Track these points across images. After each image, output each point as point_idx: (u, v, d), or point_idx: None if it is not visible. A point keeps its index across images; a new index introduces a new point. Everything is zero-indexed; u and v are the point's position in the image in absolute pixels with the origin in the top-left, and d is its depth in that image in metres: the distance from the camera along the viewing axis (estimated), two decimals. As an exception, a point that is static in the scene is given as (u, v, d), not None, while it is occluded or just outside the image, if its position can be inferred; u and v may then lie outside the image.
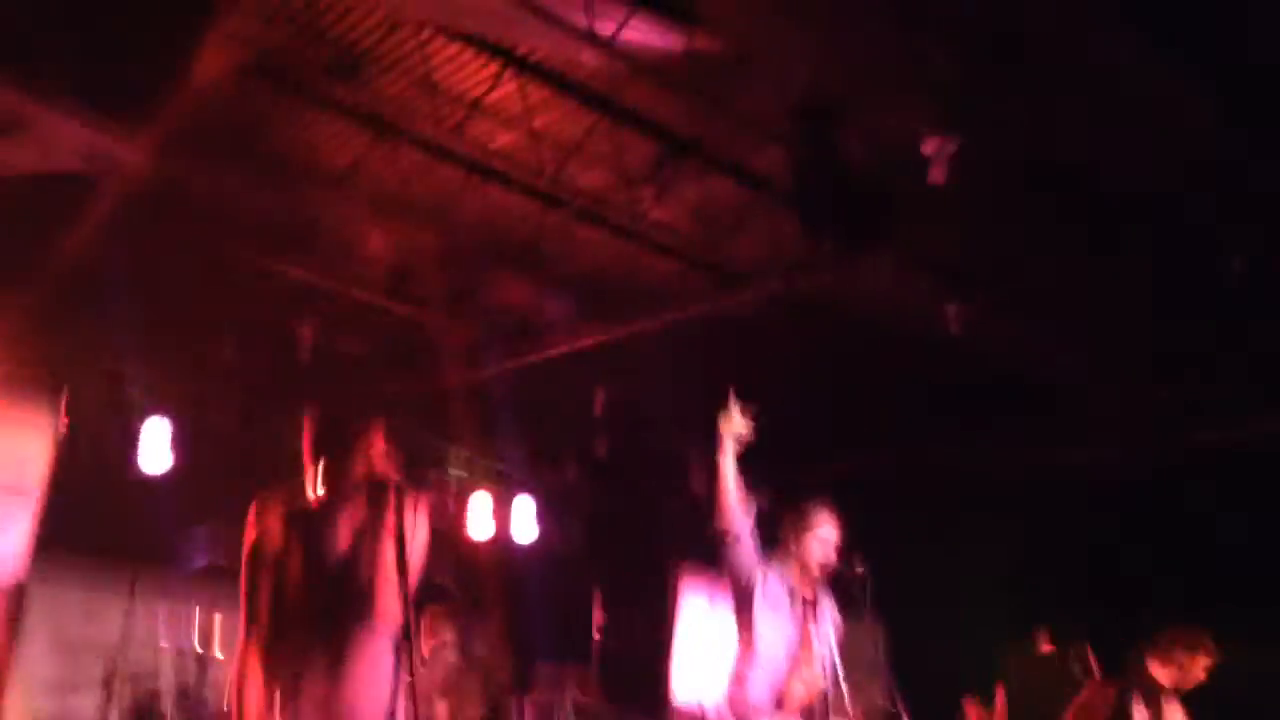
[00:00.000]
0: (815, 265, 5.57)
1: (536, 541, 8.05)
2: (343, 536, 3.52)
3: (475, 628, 7.12)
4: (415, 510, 3.69)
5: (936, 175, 5.00)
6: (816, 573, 5.20)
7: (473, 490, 7.81)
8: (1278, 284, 5.56)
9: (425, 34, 4.72)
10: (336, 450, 3.80)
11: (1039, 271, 6.02)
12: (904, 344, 6.33)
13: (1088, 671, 5.39)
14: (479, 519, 7.71)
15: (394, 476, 3.58)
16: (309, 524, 3.47)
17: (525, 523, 8.00)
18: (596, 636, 7.05)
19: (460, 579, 7.12)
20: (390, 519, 3.46)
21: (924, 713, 5.78)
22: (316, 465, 3.90)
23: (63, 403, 6.02)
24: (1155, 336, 6.09)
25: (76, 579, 6.48)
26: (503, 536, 7.87)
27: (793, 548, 5.09)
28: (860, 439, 7.09)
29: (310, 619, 3.24)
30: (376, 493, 3.55)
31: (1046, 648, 5.61)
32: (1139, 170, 5.32)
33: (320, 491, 3.65)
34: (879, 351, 6.37)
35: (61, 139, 3.05)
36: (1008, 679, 6.63)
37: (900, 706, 5.71)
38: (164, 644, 5.87)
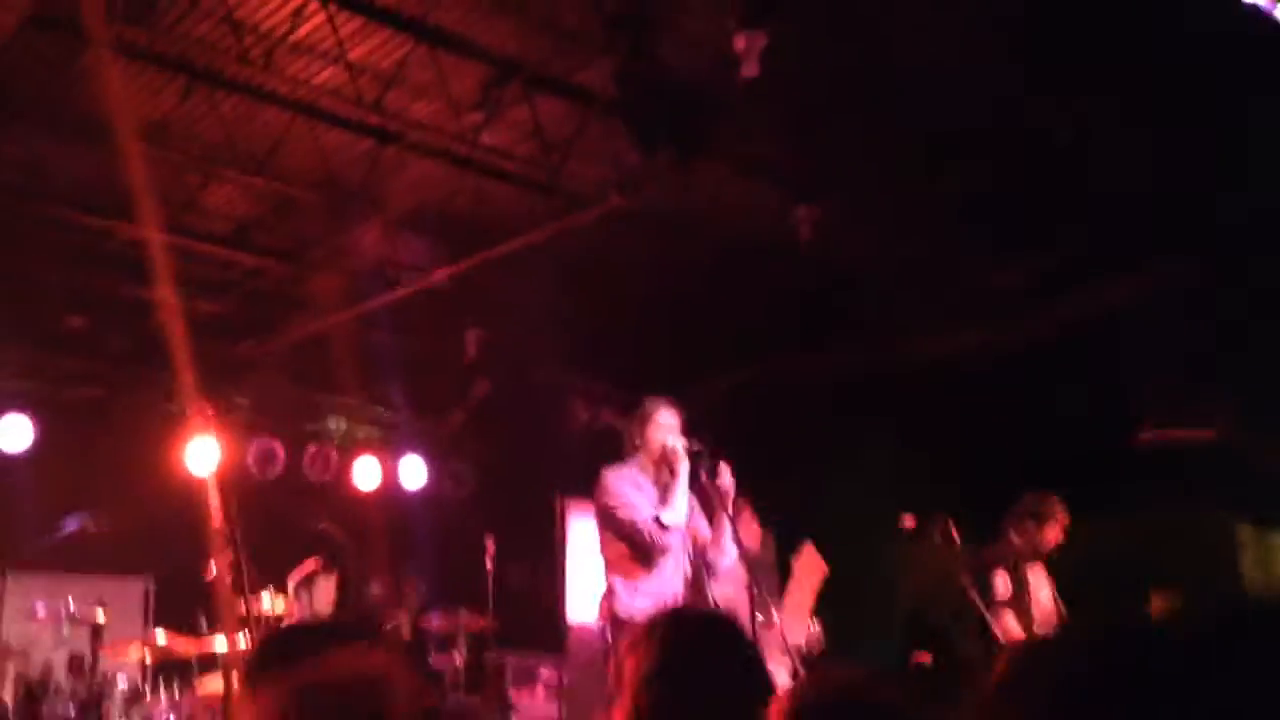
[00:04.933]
0: (651, 177, 5.61)
1: (426, 490, 8.06)
2: None
3: (365, 576, 7.13)
4: None
5: (750, 70, 5.05)
6: (668, 461, 5.22)
7: (356, 442, 7.79)
8: (1105, 150, 5.71)
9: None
10: None
11: (878, 170, 6.12)
12: (752, 254, 6.43)
13: (950, 543, 5.55)
14: (364, 471, 7.70)
15: None
16: None
17: (413, 472, 8.00)
18: (490, 575, 7.07)
19: (349, 529, 7.11)
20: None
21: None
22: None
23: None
24: (994, 220, 6.24)
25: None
26: (390, 488, 7.86)
27: (639, 442, 5.14)
28: (719, 354, 7.19)
29: None
30: None
31: (910, 524, 5.76)
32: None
33: None
34: (729, 264, 6.46)
35: None
36: (883, 565, 6.81)
37: (771, 612, 5.84)
38: (41, 614, 5.74)
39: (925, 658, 7.04)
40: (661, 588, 4.85)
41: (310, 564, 5.73)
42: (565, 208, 5.88)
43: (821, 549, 6.92)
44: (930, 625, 6.94)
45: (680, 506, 4.82)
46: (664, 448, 4.99)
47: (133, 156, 5.04)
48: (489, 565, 6.90)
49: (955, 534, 5.65)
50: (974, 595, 5.86)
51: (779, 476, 6.31)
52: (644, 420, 5.02)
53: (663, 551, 4.85)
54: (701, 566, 5.00)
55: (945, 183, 6.07)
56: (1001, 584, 5.92)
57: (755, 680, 2.00)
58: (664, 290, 6.91)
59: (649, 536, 4.83)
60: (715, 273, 6.76)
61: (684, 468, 4.91)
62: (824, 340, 7.13)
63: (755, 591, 4.99)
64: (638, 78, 5.36)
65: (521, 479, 8.13)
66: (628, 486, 4.97)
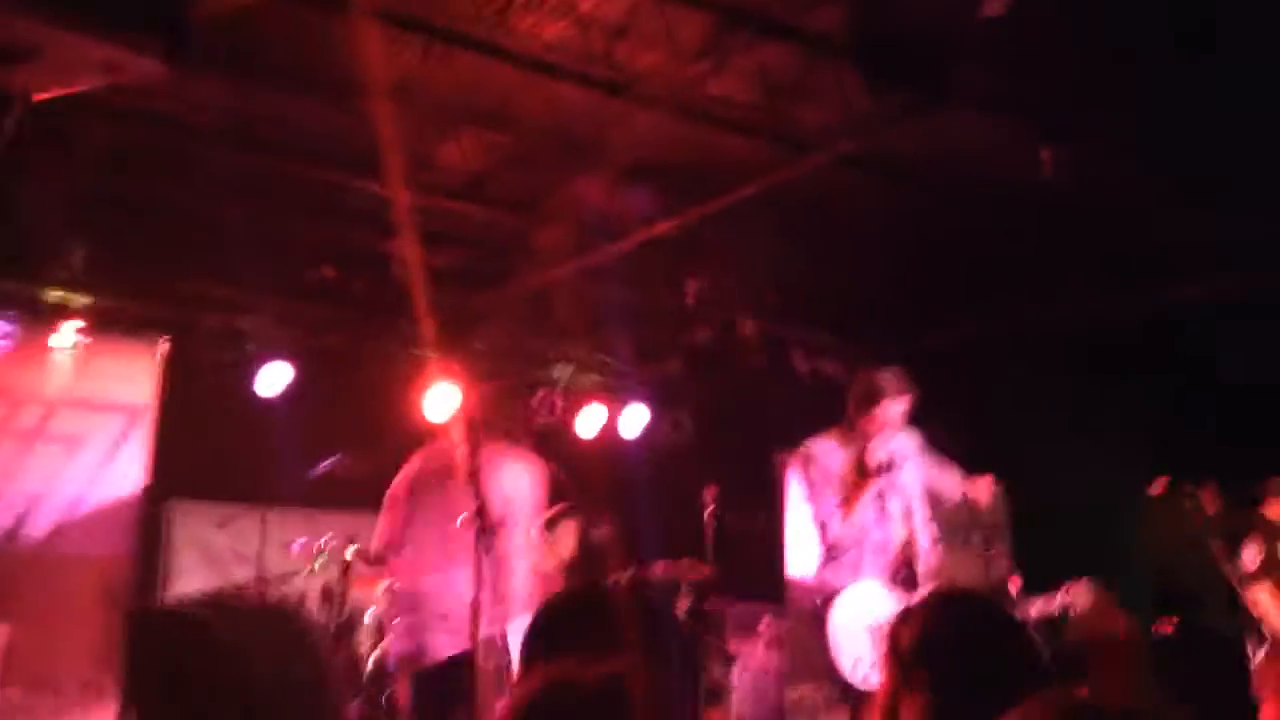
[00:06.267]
0: (881, 121, 5.41)
1: (645, 438, 8.17)
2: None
3: (592, 521, 7.29)
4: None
5: (994, 7, 4.78)
6: (888, 444, 5.11)
7: (579, 388, 7.97)
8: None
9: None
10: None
11: (1125, 106, 5.69)
12: (986, 197, 6.13)
13: (1201, 509, 5.22)
14: (588, 417, 7.87)
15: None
16: None
17: (634, 419, 8.13)
18: (709, 527, 7.10)
19: (571, 475, 7.29)
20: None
21: (1044, 573, 5.67)
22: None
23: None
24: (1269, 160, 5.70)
25: (209, 494, 6.99)
26: (610, 434, 8.00)
27: (853, 418, 5.05)
28: (948, 304, 6.91)
29: None
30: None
31: (1160, 490, 5.45)
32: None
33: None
34: (960, 208, 6.18)
35: (78, 56, 3.25)
36: (1129, 530, 6.46)
37: (1010, 573, 5.63)
38: (297, 547, 6.16)
39: (1168, 628, 6.66)
40: (858, 563, 4.99)
41: (557, 507, 5.92)
42: (791, 154, 5.76)
43: (1063, 512, 6.62)
44: (1179, 594, 6.55)
45: (853, 521, 4.92)
46: (864, 450, 4.93)
47: (378, 114, 5.25)
48: (709, 515, 6.92)
49: (1208, 499, 5.31)
50: (1225, 565, 5.53)
51: (1013, 434, 6.04)
52: (867, 401, 4.95)
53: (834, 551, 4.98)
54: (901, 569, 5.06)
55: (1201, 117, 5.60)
56: (1251, 555, 5.55)
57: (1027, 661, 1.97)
58: (890, 237, 6.70)
59: (818, 535, 4.96)
60: (945, 217, 6.50)
61: (872, 484, 4.90)
62: (1062, 290, 6.75)
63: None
64: (870, 19, 5.17)
65: (740, 428, 8.13)
66: (818, 473, 5.01)
